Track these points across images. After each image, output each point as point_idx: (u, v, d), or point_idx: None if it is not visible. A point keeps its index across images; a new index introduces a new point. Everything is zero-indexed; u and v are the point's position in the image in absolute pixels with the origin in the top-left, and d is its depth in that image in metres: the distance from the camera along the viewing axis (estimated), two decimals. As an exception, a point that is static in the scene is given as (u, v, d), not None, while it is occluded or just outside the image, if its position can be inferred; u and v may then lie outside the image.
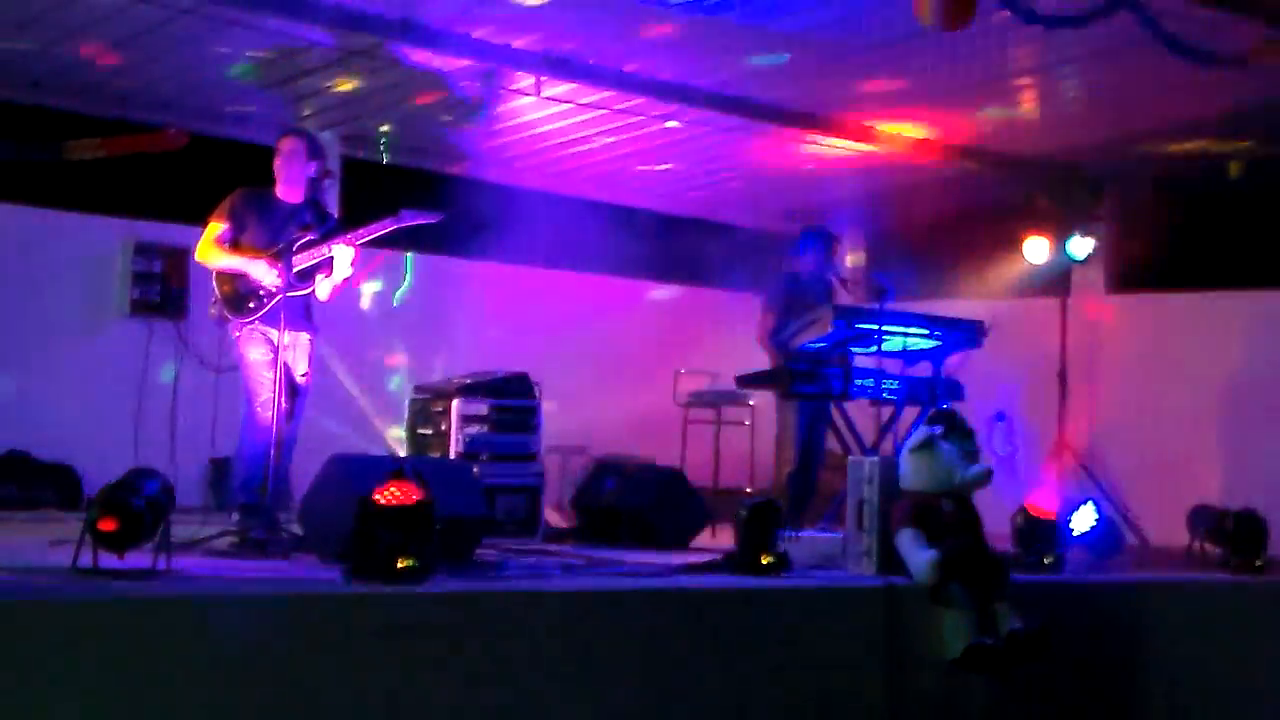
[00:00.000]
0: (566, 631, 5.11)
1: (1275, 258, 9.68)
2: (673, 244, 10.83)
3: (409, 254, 9.84)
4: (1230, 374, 9.78)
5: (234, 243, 6.50)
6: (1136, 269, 10.50)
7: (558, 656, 5.04)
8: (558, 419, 8.21)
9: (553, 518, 7.92)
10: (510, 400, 7.72)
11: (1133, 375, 10.10)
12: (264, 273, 6.37)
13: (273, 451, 6.14)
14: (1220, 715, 6.83)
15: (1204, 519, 7.87)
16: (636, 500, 7.53)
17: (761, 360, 8.38)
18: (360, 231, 6.37)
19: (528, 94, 8.86)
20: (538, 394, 7.87)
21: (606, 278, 10.91)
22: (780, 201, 11.66)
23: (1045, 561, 6.78)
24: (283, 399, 6.29)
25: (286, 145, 6.63)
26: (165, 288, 9.32)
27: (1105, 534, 7.69)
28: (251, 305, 6.40)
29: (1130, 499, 9.19)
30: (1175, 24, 7.45)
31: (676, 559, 6.41)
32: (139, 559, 4.85)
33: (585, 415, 9.00)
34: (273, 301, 6.35)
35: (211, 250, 6.50)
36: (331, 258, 6.40)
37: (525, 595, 5.22)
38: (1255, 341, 9.76)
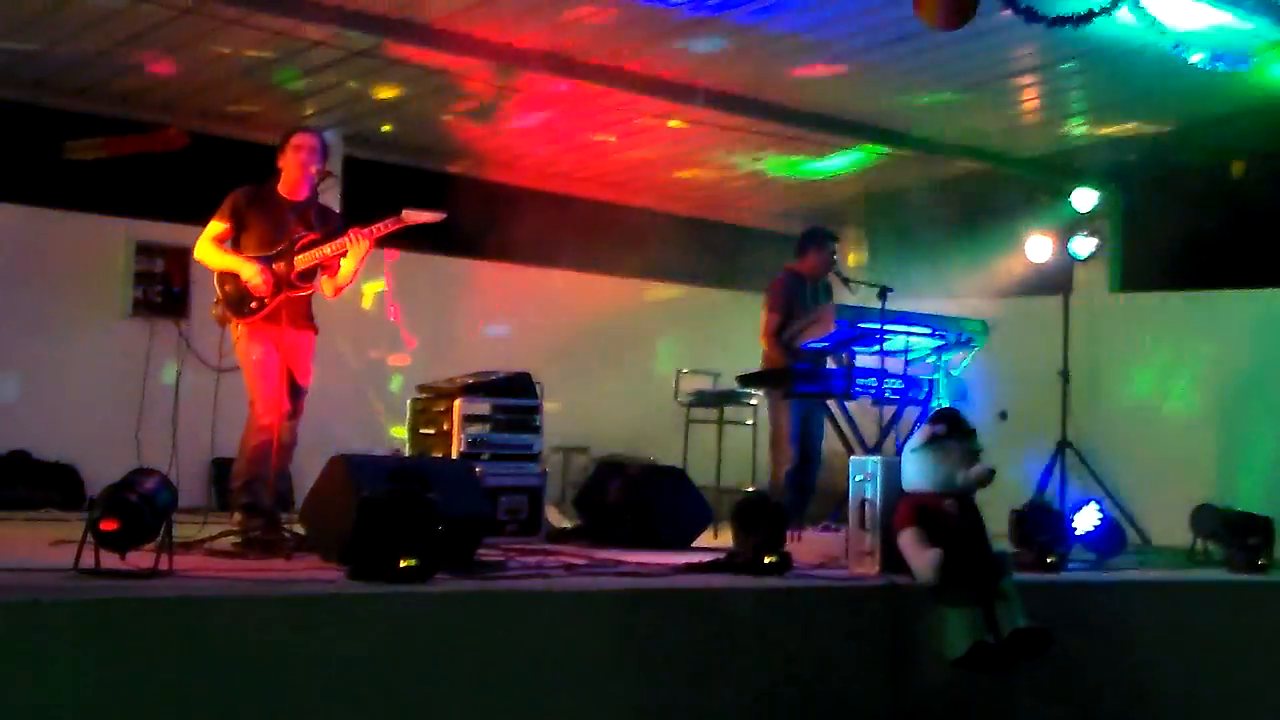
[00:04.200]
0: (568, 631, 5.10)
1: (1277, 256, 9.68)
2: (675, 243, 10.83)
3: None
4: (1233, 373, 9.78)
5: (235, 242, 6.45)
6: (1139, 268, 10.51)
7: (559, 656, 5.03)
8: (560, 418, 8.21)
9: (554, 517, 7.90)
10: (512, 400, 7.70)
11: (1135, 374, 10.11)
12: (252, 274, 6.32)
13: (274, 451, 6.14)
14: (1223, 714, 6.83)
15: (1206, 518, 7.88)
16: (638, 500, 7.51)
17: (760, 360, 8.40)
18: (363, 230, 6.35)
19: (529, 92, 8.88)
20: (540, 393, 7.85)
21: (608, 277, 10.92)
22: (783, 201, 11.66)
23: (1047, 560, 6.79)
24: (284, 399, 6.29)
25: (302, 141, 6.52)
26: (167, 288, 9.33)
27: (1107, 533, 7.69)
28: (253, 305, 6.36)
29: (1132, 498, 9.19)
30: (1176, 23, 7.48)
31: (679, 558, 6.40)
32: (141, 559, 4.85)
33: (587, 415, 9.01)
34: (275, 301, 6.33)
35: (208, 249, 6.44)
36: (335, 256, 6.39)
37: (527, 595, 5.21)
38: (1258, 340, 9.76)
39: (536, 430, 7.73)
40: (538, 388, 7.86)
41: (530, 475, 7.57)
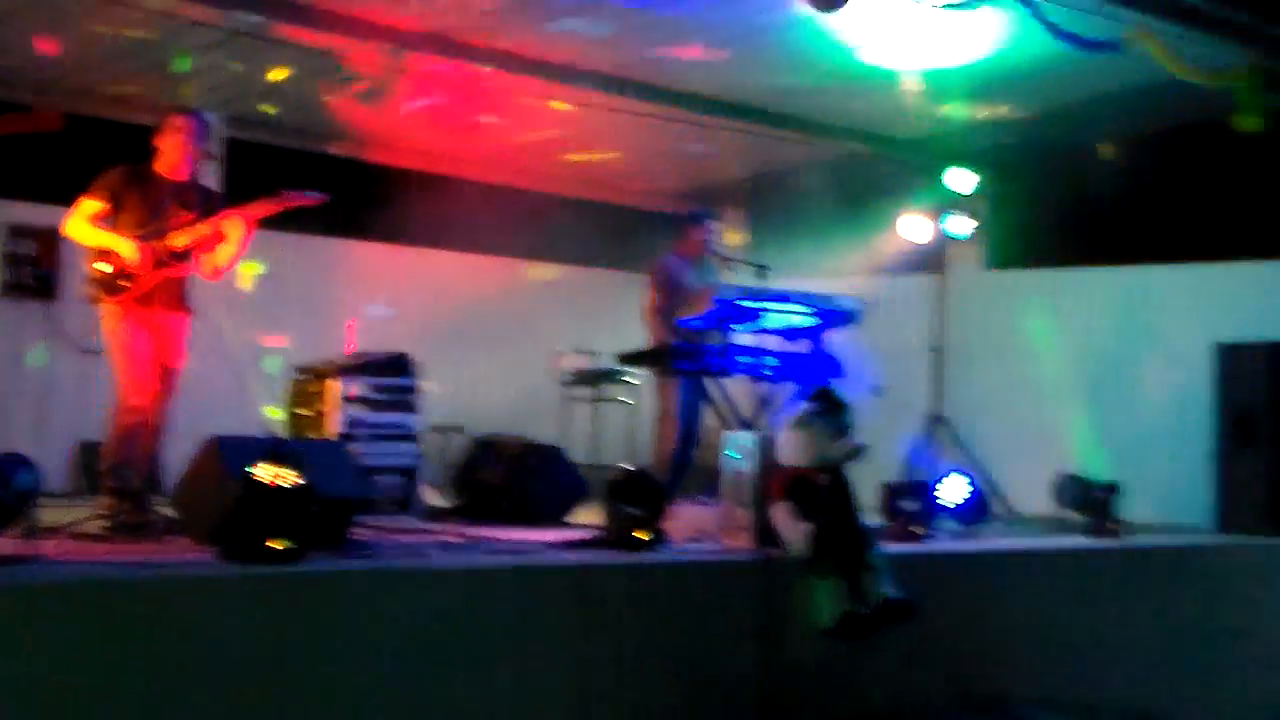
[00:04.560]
0: (443, 610, 5.12)
1: (1140, 235, 9.96)
2: (556, 223, 10.85)
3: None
4: (1095, 347, 10.03)
5: (111, 221, 6.34)
6: (1011, 247, 10.72)
7: (434, 635, 5.05)
8: (438, 398, 8.21)
9: (431, 496, 7.92)
10: (390, 380, 7.72)
11: (1005, 350, 10.31)
12: (130, 251, 6.23)
13: (144, 433, 6.09)
14: (1083, 675, 7.05)
15: (1068, 488, 8.15)
16: (515, 477, 7.55)
17: (644, 339, 8.47)
18: (240, 211, 6.32)
19: (414, 74, 8.85)
20: (418, 374, 7.86)
21: (489, 257, 10.91)
22: (664, 181, 11.74)
23: (914, 532, 6.96)
24: (154, 380, 6.24)
25: (181, 123, 6.43)
26: (38, 269, 9.18)
27: (975, 504, 7.91)
28: (124, 285, 6.26)
29: (1000, 469, 9.41)
30: (1055, 9, 7.64)
31: (554, 535, 6.46)
32: (3, 545, 4.80)
33: (466, 394, 9.01)
34: (148, 281, 6.26)
35: (83, 226, 6.29)
36: (211, 237, 6.34)
37: (401, 574, 5.24)
38: (1119, 316, 10.04)
39: (414, 410, 7.75)
40: (416, 368, 7.87)
41: (407, 455, 7.59)
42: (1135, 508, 8.47)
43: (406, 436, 7.68)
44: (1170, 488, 9.14)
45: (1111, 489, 8.04)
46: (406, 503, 7.45)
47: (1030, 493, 9.02)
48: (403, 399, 7.73)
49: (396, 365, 7.80)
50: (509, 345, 10.20)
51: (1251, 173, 9.31)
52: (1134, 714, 6.61)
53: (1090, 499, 7.96)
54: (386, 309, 9.81)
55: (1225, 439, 8.86)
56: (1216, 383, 8.94)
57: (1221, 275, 9.50)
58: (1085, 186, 10.02)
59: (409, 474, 7.54)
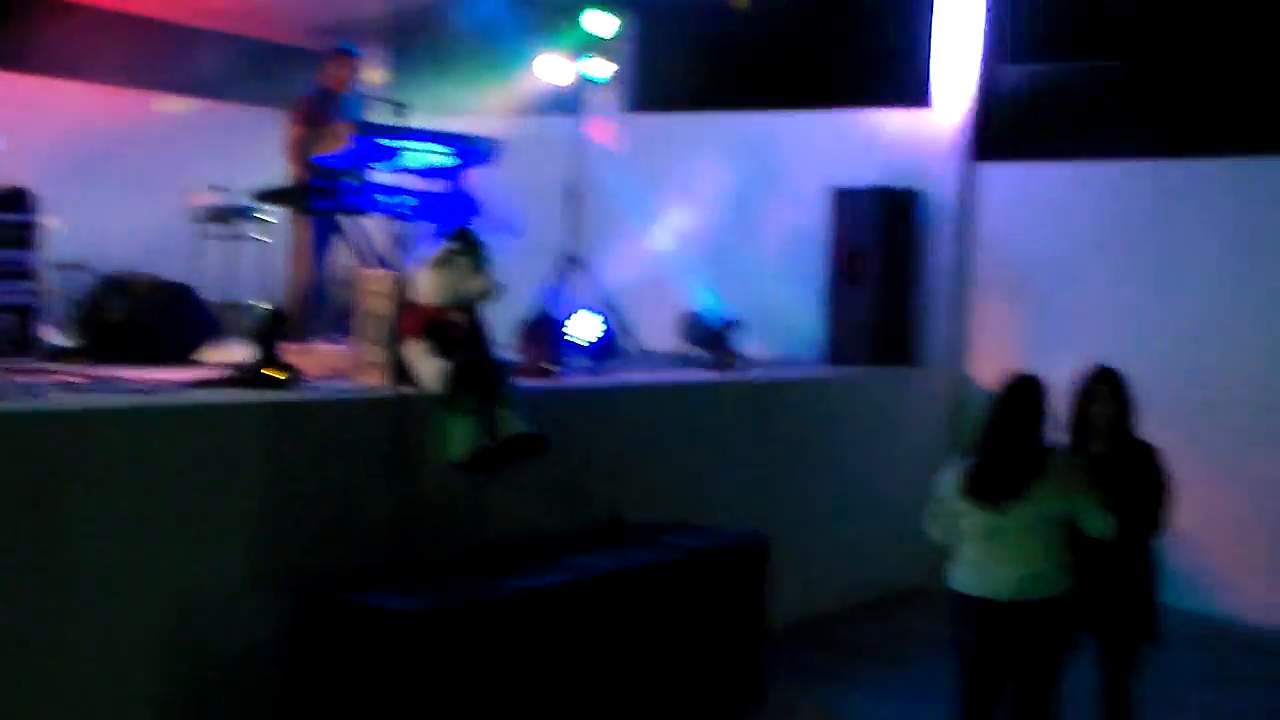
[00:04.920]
0: (63, 453, 5.01)
1: (768, 82, 10.38)
2: (190, 56, 10.42)
3: None
4: (726, 193, 10.47)
5: None
6: (649, 91, 10.97)
7: (51, 480, 4.95)
8: (61, 235, 7.88)
9: (53, 336, 7.65)
10: (6, 215, 7.36)
11: (639, 193, 10.60)
12: None
13: None
14: (699, 499, 7.51)
15: (692, 326, 8.59)
16: (142, 315, 7.35)
17: (281, 176, 8.33)
18: None
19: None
20: (38, 208, 7.53)
21: (117, 89, 10.40)
22: (302, 15, 11.40)
23: (548, 369, 7.21)
24: None
25: None
26: None
27: (606, 341, 8.22)
28: None
29: (631, 308, 9.76)
30: None
31: (184, 374, 6.37)
32: None
33: (92, 231, 8.65)
34: None
35: None
36: None
37: (15, 416, 5.07)
38: (748, 161, 10.48)
39: (33, 246, 7.44)
40: (36, 202, 7.53)
41: (24, 293, 7.29)
42: (758, 343, 9.01)
43: (24, 274, 7.34)
44: (789, 324, 9.76)
45: (730, 325, 8.52)
46: (25, 343, 7.17)
47: (659, 330, 9.43)
48: (20, 234, 7.38)
49: (13, 199, 7.42)
50: (139, 181, 9.80)
51: (869, 25, 9.84)
52: (740, 535, 7.11)
53: (711, 335, 8.43)
54: (3, 141, 9.24)
55: (836, 277, 9.48)
56: (830, 225, 9.52)
57: (838, 122, 10.04)
58: (722, 34, 10.32)
59: (27, 312, 7.25)
